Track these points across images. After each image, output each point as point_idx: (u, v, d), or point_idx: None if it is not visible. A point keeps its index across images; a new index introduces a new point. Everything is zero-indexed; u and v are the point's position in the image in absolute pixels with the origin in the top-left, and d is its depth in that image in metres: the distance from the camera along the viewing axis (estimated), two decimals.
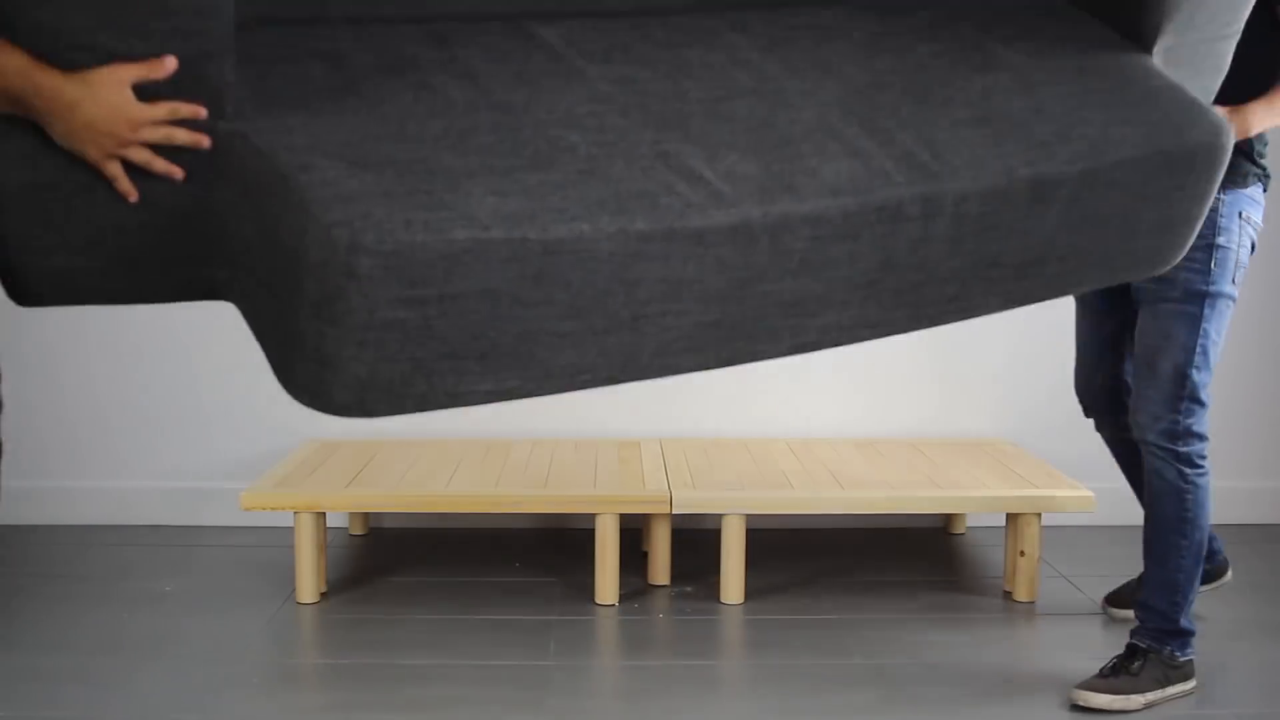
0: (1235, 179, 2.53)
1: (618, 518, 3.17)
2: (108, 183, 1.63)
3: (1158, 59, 2.26)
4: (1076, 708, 2.62)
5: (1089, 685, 2.65)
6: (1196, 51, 2.35)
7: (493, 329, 1.76)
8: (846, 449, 3.68)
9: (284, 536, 3.50)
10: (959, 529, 3.83)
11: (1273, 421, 3.85)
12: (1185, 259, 2.37)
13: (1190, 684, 2.69)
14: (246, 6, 1.78)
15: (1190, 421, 2.57)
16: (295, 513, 3.17)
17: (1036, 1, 2.37)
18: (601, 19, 2.09)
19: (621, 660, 2.94)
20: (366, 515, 3.79)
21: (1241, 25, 2.34)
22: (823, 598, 3.25)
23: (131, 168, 1.62)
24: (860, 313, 2.06)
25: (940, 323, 2.17)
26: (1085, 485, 3.33)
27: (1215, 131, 2.16)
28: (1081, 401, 2.97)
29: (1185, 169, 2.15)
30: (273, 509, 3.21)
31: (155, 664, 2.81)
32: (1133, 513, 3.52)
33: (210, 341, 3.70)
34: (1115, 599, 3.16)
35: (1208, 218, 2.42)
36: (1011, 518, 3.24)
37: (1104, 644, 2.95)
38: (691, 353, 1.96)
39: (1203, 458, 2.59)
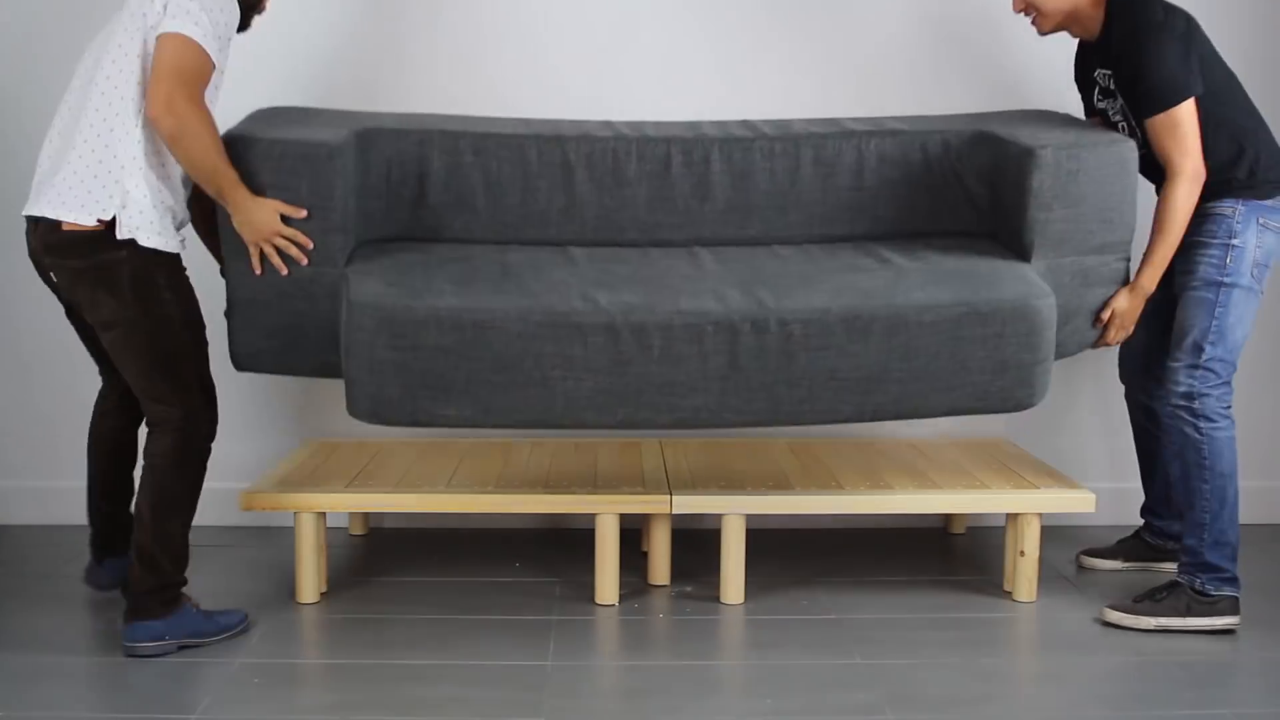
0: (1251, 191, 3.00)
1: (618, 518, 3.17)
2: (280, 300, 2.93)
3: (1040, 270, 3.04)
4: (1102, 623, 3.05)
5: (1114, 604, 3.07)
6: (1084, 265, 3.08)
7: (448, 372, 2.83)
8: (846, 449, 3.67)
9: (284, 536, 3.50)
10: (959, 529, 3.83)
11: (1273, 421, 3.85)
12: (1205, 256, 3.02)
13: (1223, 620, 2.99)
14: (388, 228, 3.18)
15: (1205, 387, 2.98)
16: (295, 513, 3.18)
17: (966, 233, 3.26)
18: (620, 248, 3.24)
19: (621, 660, 2.94)
20: (366, 515, 3.79)
21: (1129, 246, 3.11)
22: (823, 598, 3.25)
23: (289, 295, 2.94)
24: (723, 400, 2.89)
25: (803, 422, 2.97)
26: (1085, 485, 3.33)
27: (1027, 296, 2.93)
28: (1120, 365, 3.41)
29: (998, 320, 2.91)
30: (273, 509, 3.21)
31: (155, 664, 2.81)
32: (1133, 513, 3.53)
33: (210, 343, 3.70)
34: (1091, 551, 3.51)
35: (1224, 224, 3.00)
36: (1011, 518, 3.24)
37: (1104, 643, 2.96)
38: (593, 411, 2.88)
39: (1219, 415, 2.98)
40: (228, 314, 2.99)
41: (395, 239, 3.17)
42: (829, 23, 3.72)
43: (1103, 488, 3.52)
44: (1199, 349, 2.97)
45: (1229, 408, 3.00)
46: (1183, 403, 2.99)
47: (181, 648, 2.86)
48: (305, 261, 2.88)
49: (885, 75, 3.73)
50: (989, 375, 2.93)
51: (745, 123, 3.43)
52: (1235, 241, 2.98)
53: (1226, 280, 2.97)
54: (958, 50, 3.74)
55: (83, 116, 2.75)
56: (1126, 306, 3.12)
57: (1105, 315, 3.14)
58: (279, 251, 2.88)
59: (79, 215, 2.72)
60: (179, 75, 2.65)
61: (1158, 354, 3.23)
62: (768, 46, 3.71)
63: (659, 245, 3.26)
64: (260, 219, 2.83)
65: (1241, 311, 2.98)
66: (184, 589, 2.92)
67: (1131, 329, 3.18)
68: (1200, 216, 3.02)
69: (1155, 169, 3.07)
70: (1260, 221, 2.99)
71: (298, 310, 2.93)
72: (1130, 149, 3.05)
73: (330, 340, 2.92)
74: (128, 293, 2.74)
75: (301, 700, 2.68)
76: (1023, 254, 3.07)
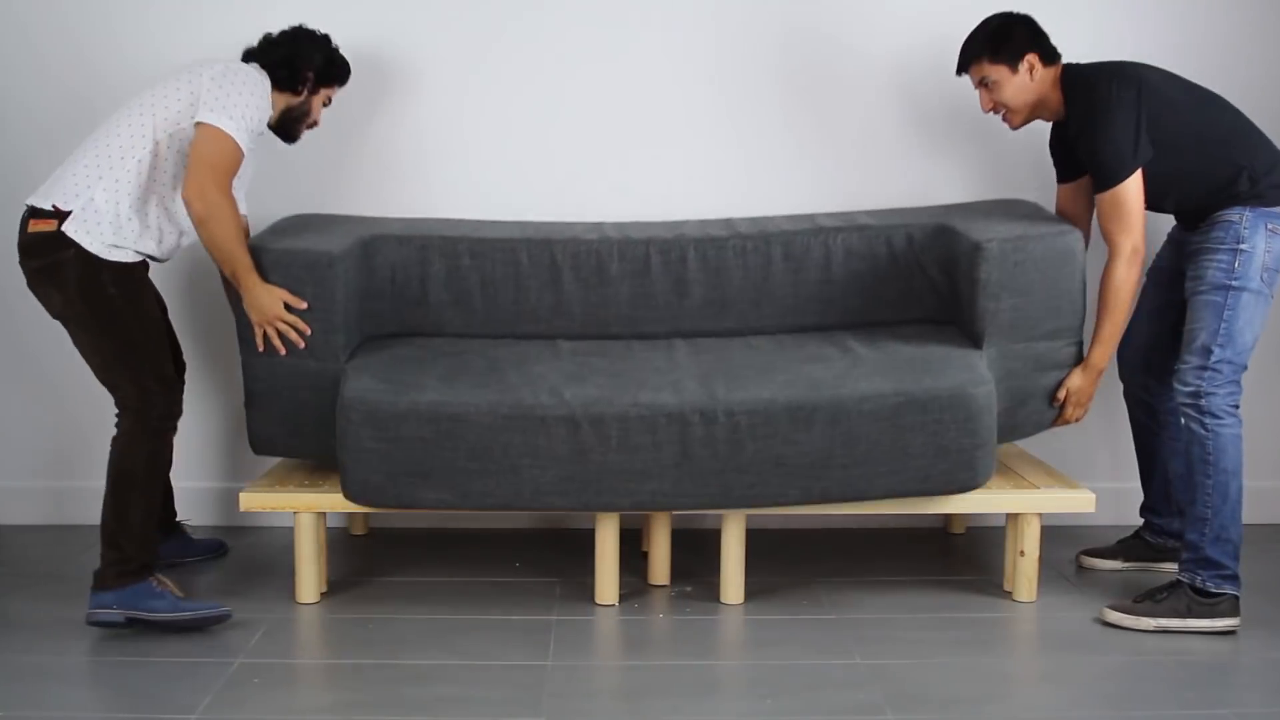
0: (1257, 200, 3.03)
1: (618, 518, 3.17)
2: (290, 392, 3.17)
3: (992, 357, 3.15)
4: (1102, 623, 3.06)
5: (1114, 605, 3.08)
6: (1035, 351, 3.21)
7: (426, 460, 3.04)
8: None
9: (284, 536, 3.50)
10: (959, 529, 3.83)
11: (1274, 422, 3.85)
12: (1213, 261, 3.05)
13: (1223, 622, 2.99)
14: (393, 324, 3.42)
15: (1212, 386, 2.99)
16: (295, 513, 3.18)
17: (930, 320, 3.40)
18: (606, 340, 3.44)
19: (621, 660, 2.94)
20: (367, 515, 3.79)
21: (1079, 331, 3.22)
22: (823, 598, 3.25)
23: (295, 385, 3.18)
24: (677, 486, 3.05)
25: (753, 506, 3.09)
26: (1085, 485, 3.33)
27: (964, 384, 3.06)
28: (1119, 362, 3.41)
29: (936, 407, 3.03)
30: (273, 509, 3.21)
31: (155, 664, 2.81)
32: (1133, 513, 3.53)
33: (209, 343, 3.71)
34: (1091, 551, 3.52)
35: (1231, 229, 3.03)
36: (1011, 518, 3.24)
37: (1104, 643, 2.96)
38: (559, 495, 3.06)
39: (1226, 412, 3.00)
40: (246, 404, 3.23)
41: (400, 334, 3.42)
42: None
43: (1103, 488, 3.52)
44: (1208, 351, 3.00)
45: (1237, 406, 3.02)
46: (1190, 401, 3.01)
47: (131, 620, 2.93)
48: (303, 345, 3.11)
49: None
50: (930, 459, 3.05)
51: (726, 221, 3.62)
52: (1243, 246, 3.01)
53: (1235, 284, 3.00)
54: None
55: (92, 137, 3.02)
56: (1080, 384, 3.23)
57: (1060, 395, 3.24)
58: (281, 335, 3.10)
59: (40, 200, 2.96)
60: (212, 167, 2.95)
61: (1158, 351, 3.27)
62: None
63: (642, 338, 3.47)
64: (266, 303, 3.07)
65: (1251, 315, 3.01)
66: (157, 573, 3.02)
67: (1088, 406, 3.27)
68: (1208, 224, 3.07)
69: (1155, 196, 3.12)
70: (1269, 227, 3.02)
71: (305, 401, 3.17)
72: (1076, 239, 3.17)
73: (334, 428, 3.10)
74: (73, 289, 2.94)
75: (301, 700, 2.68)
76: (976, 341, 3.20)
